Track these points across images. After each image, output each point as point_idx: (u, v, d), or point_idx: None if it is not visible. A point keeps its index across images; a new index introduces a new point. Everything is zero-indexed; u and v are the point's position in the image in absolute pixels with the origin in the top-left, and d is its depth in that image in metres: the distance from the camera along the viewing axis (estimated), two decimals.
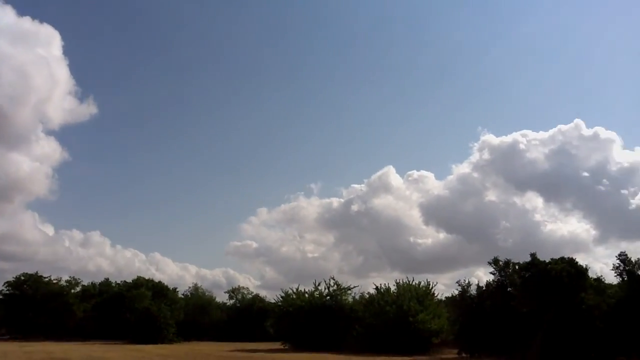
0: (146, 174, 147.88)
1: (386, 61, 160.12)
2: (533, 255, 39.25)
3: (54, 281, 77.32)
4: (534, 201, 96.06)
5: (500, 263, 41.83)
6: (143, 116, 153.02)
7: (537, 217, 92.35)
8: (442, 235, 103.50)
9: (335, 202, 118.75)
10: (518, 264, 40.64)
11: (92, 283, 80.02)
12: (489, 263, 42.25)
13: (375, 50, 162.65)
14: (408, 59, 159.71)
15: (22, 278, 75.84)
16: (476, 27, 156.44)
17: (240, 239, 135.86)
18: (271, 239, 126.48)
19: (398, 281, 52.03)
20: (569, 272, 36.50)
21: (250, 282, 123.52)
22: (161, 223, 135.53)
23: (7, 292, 75.28)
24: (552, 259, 38.30)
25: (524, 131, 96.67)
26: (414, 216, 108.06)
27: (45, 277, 76.86)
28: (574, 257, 38.20)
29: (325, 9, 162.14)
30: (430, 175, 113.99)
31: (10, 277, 76.37)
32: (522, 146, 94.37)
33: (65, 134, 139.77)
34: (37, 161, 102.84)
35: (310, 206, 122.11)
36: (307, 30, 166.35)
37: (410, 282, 51.20)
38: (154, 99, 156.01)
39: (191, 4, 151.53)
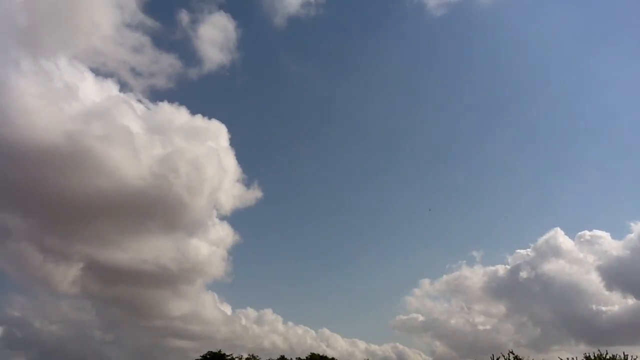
0: (307, 251, 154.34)
1: (547, 123, 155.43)
2: None
3: (236, 359, 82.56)
4: None
5: None
6: (303, 195, 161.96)
7: None
8: (630, 302, 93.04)
9: (501, 269, 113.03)
10: None
11: None
12: None
13: (535, 114, 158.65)
14: (568, 118, 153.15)
15: (208, 356, 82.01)
16: None
17: (405, 312, 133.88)
18: (437, 311, 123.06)
19: (588, 354, 47.97)
20: None
21: (421, 358, 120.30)
22: (327, 298, 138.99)
23: None
24: None
25: None
26: (593, 281, 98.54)
27: (228, 355, 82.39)
28: None
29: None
30: (605, 235, 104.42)
31: (197, 356, 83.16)
32: None
33: (236, 218, 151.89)
34: (213, 245, 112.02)
35: (475, 275, 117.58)
36: (456, 95, 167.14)
37: (604, 356, 46.94)
38: (311, 179, 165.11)
39: (341, 88, 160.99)
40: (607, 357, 46.89)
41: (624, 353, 47.58)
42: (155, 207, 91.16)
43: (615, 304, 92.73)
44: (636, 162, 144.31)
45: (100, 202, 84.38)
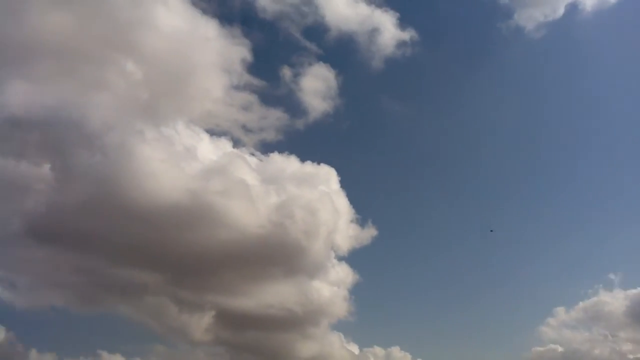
0: (430, 285, 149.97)
1: None
2: None
3: None
4: None
5: None
6: (419, 228, 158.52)
7: None
8: None
9: None
10: None
11: None
12: None
13: None
14: None
15: None
16: None
17: (542, 343, 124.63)
18: (578, 341, 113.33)
19: None
20: None
21: None
22: (454, 333, 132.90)
23: None
24: None
25: None
26: None
27: None
28: None
29: None
30: None
31: None
32: None
33: (354, 258, 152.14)
34: (334, 285, 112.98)
35: (615, 300, 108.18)
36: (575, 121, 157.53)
37: None
38: (424, 212, 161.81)
39: (443, 124, 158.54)
40: None
41: None
42: (275, 253, 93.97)
43: None
44: None
45: (225, 252, 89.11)
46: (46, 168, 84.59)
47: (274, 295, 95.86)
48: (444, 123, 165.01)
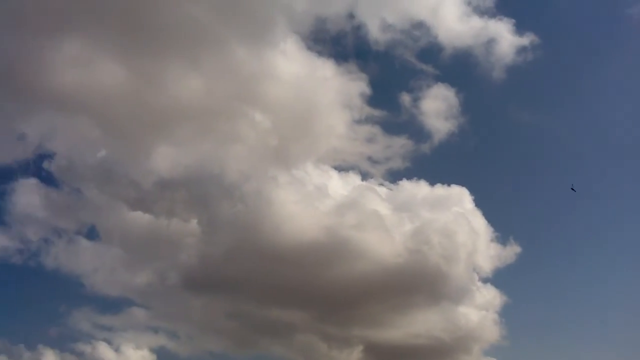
0: (586, 301, 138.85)
1: None
2: None
3: None
4: None
5: None
6: (564, 240, 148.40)
7: None
8: None
9: None
10: None
11: None
12: None
13: None
14: None
15: None
16: None
17: None
18: None
19: None
20: None
21: None
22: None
23: None
24: None
25: None
26: None
27: None
28: None
29: None
30: None
31: None
32: None
33: (499, 278, 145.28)
34: (482, 309, 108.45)
35: None
36: None
37: None
38: (566, 223, 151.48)
39: (572, 127, 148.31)
40: None
41: None
42: (416, 281, 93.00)
43: None
44: None
45: (366, 285, 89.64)
46: (194, 223, 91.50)
47: (420, 324, 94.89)
48: (574, 126, 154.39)
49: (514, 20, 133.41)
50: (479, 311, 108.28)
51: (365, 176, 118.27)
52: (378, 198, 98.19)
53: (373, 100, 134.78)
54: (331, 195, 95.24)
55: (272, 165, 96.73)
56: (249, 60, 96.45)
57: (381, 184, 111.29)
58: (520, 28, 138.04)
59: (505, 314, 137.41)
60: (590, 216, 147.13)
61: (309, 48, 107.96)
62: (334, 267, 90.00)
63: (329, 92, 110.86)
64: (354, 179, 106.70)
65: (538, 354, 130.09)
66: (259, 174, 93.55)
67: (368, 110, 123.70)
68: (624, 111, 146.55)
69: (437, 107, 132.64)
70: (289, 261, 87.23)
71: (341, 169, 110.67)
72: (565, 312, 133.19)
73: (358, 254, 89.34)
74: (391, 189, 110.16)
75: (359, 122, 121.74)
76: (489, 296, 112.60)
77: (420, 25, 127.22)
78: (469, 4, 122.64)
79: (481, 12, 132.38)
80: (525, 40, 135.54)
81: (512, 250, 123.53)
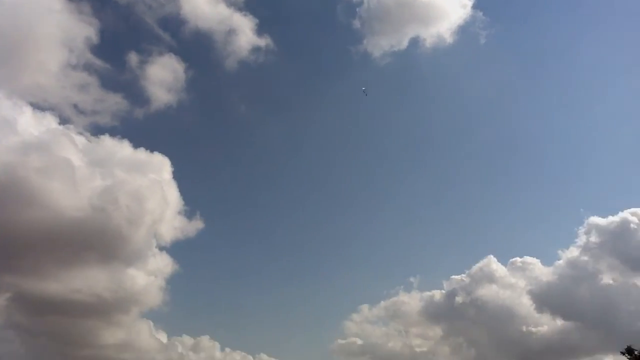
0: (248, 278, 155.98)
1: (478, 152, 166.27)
2: None
3: None
4: None
5: (636, 352, 40.32)
6: (244, 222, 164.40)
7: None
8: (559, 323, 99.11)
9: (437, 294, 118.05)
10: None
11: None
12: (622, 353, 40.89)
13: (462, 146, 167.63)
14: (502, 148, 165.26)
15: None
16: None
17: (344, 336, 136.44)
18: (376, 336, 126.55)
19: None
20: None
21: None
22: (264, 323, 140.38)
23: None
24: None
25: (634, 209, 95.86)
26: (525, 304, 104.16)
27: None
28: None
29: None
30: (535, 262, 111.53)
31: None
32: (633, 225, 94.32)
33: (176, 249, 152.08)
34: (151, 275, 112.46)
35: (412, 300, 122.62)
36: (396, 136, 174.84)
37: None
38: (251, 205, 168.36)
39: (282, 127, 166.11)
40: None
41: None
42: (92, 238, 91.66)
43: (545, 325, 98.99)
44: (562, 194, 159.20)
45: (34, 232, 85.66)
46: None
47: (83, 280, 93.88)
48: (285, 128, 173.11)
49: (257, 20, 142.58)
50: (148, 276, 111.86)
51: (64, 121, 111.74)
52: (73, 147, 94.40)
53: (98, 50, 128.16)
54: (19, 131, 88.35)
55: None
56: None
57: (80, 134, 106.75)
58: (261, 29, 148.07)
59: (173, 283, 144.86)
60: (271, 207, 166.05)
61: None
62: (3, 206, 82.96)
63: (51, 26, 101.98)
64: (51, 121, 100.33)
65: (192, 321, 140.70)
66: None
67: (89, 58, 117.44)
68: (333, 123, 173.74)
69: (164, 76, 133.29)
70: None
71: (39, 107, 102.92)
72: (224, 288, 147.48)
73: (34, 199, 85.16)
74: (90, 142, 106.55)
75: (75, 67, 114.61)
76: (162, 264, 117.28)
77: None
78: None
79: (230, 2, 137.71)
80: (263, 42, 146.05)
81: (196, 226, 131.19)
